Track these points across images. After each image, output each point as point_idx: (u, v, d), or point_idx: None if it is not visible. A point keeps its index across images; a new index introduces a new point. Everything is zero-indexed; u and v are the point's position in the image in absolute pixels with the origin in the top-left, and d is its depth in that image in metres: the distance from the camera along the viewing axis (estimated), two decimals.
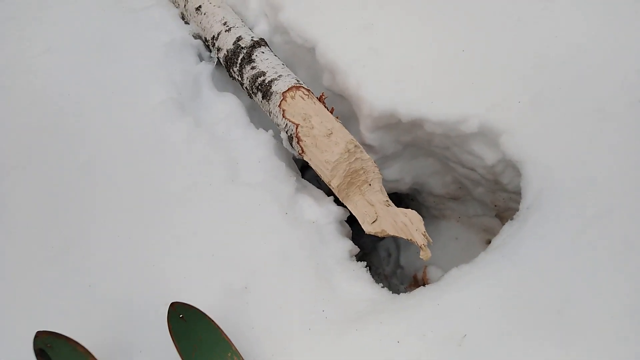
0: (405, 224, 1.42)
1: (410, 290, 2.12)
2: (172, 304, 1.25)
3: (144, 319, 1.36)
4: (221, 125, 1.81)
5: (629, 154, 1.27)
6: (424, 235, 1.39)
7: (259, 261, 1.46)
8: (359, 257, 1.71)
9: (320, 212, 1.60)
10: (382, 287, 1.44)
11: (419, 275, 1.97)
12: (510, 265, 1.20)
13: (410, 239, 1.40)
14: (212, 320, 1.26)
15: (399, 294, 2.32)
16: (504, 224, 1.96)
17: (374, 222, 1.48)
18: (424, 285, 1.96)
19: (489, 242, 1.98)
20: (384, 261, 2.50)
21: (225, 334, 1.25)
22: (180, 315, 1.25)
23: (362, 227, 1.50)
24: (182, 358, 1.22)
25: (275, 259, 1.46)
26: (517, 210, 1.81)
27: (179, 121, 1.76)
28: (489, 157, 1.55)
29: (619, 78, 1.38)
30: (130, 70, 1.92)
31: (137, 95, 1.83)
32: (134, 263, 1.47)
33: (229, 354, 1.23)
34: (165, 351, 1.25)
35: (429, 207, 2.28)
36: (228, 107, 1.87)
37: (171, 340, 1.23)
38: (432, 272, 1.91)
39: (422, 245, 1.38)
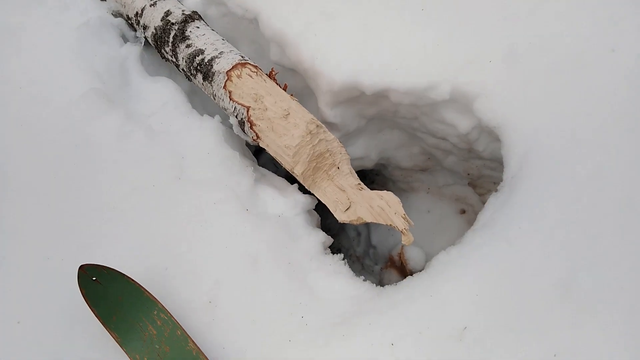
0: (383, 207, 1.28)
1: (387, 272, 2.02)
2: (82, 267, 1.13)
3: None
4: (158, 115, 1.58)
5: (610, 103, 1.18)
6: (404, 218, 1.26)
7: (222, 269, 1.29)
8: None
9: (285, 204, 1.43)
10: (364, 280, 1.30)
11: (396, 255, 1.86)
12: (505, 245, 1.09)
13: (390, 224, 1.26)
14: (132, 280, 1.15)
15: (373, 274, 2.23)
16: (477, 192, 1.88)
17: (347, 209, 1.32)
18: (402, 265, 1.85)
19: (463, 212, 1.90)
20: (354, 241, 2.38)
21: (149, 293, 1.15)
22: (94, 278, 1.14)
23: (335, 215, 1.34)
24: (102, 323, 1.11)
25: (241, 264, 1.29)
26: (492, 177, 1.73)
27: (107, 116, 1.51)
28: (463, 124, 1.42)
29: (592, 26, 1.28)
30: (39, 60, 1.62)
31: (51, 89, 1.55)
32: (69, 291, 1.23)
33: (155, 312, 1.13)
34: None
35: (395, 181, 2.16)
36: (164, 94, 1.64)
37: None
38: (408, 250, 1.80)
39: (404, 230, 1.24)
